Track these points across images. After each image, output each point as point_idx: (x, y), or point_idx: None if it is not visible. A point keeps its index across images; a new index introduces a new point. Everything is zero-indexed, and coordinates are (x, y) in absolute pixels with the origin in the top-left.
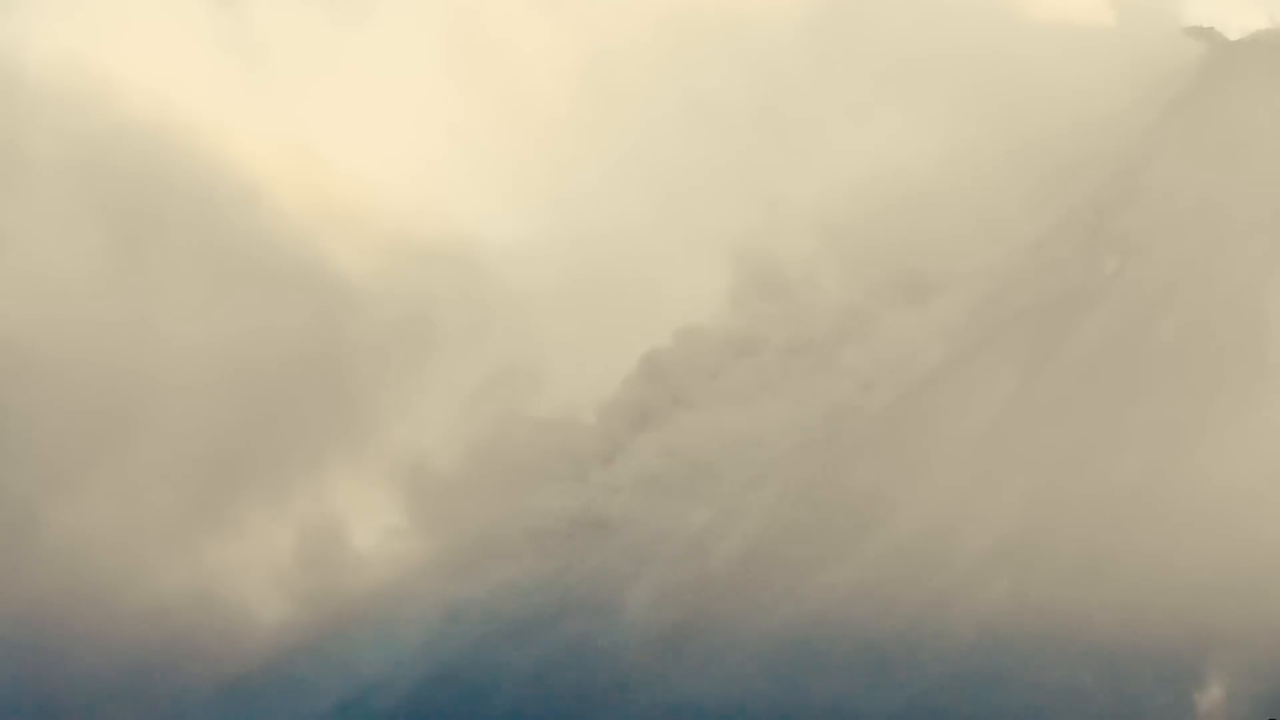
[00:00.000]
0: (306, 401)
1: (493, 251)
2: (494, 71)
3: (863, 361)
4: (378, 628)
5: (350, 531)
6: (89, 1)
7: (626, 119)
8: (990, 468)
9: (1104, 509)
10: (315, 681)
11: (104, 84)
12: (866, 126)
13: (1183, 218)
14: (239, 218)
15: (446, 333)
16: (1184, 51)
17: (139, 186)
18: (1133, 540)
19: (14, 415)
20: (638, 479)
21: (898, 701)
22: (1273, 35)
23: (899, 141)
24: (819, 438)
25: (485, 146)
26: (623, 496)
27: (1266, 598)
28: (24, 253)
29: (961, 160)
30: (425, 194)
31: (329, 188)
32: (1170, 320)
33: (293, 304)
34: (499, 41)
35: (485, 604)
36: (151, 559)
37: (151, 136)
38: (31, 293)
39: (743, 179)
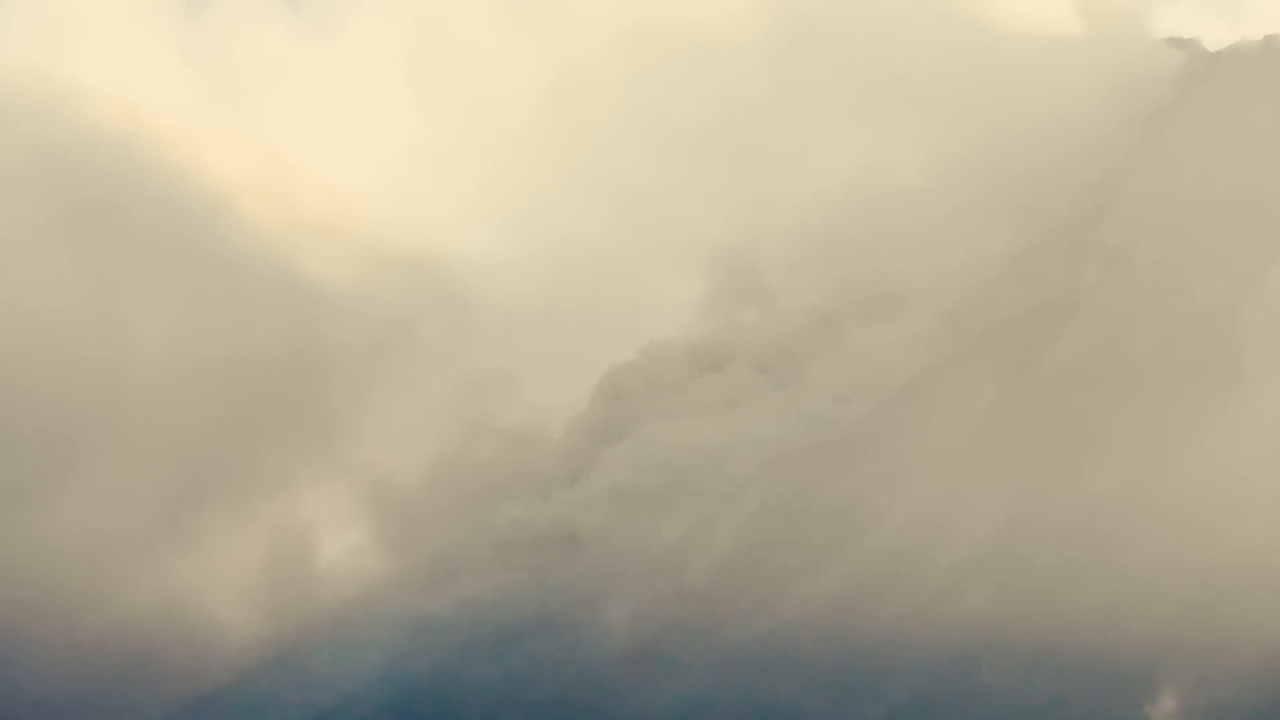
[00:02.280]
0: (275, 415)
1: (465, 263)
2: (459, 86)
3: (838, 374)
4: (344, 644)
5: (318, 546)
6: (55, 12)
7: (593, 136)
8: (968, 479)
9: (1081, 520)
10: (282, 697)
11: (71, 93)
12: (838, 143)
13: (1162, 229)
14: (209, 228)
15: (418, 345)
16: (1161, 62)
17: (108, 196)
18: (1110, 551)
19: None
20: (609, 492)
21: (876, 713)
22: (1252, 46)
23: (872, 157)
24: (797, 450)
25: (453, 159)
26: (594, 511)
27: (1239, 607)
28: None
29: (938, 174)
30: (397, 205)
31: (299, 198)
32: (1149, 331)
33: (262, 315)
34: (464, 57)
35: (452, 620)
36: (118, 572)
37: (120, 146)
38: None
39: (712, 195)
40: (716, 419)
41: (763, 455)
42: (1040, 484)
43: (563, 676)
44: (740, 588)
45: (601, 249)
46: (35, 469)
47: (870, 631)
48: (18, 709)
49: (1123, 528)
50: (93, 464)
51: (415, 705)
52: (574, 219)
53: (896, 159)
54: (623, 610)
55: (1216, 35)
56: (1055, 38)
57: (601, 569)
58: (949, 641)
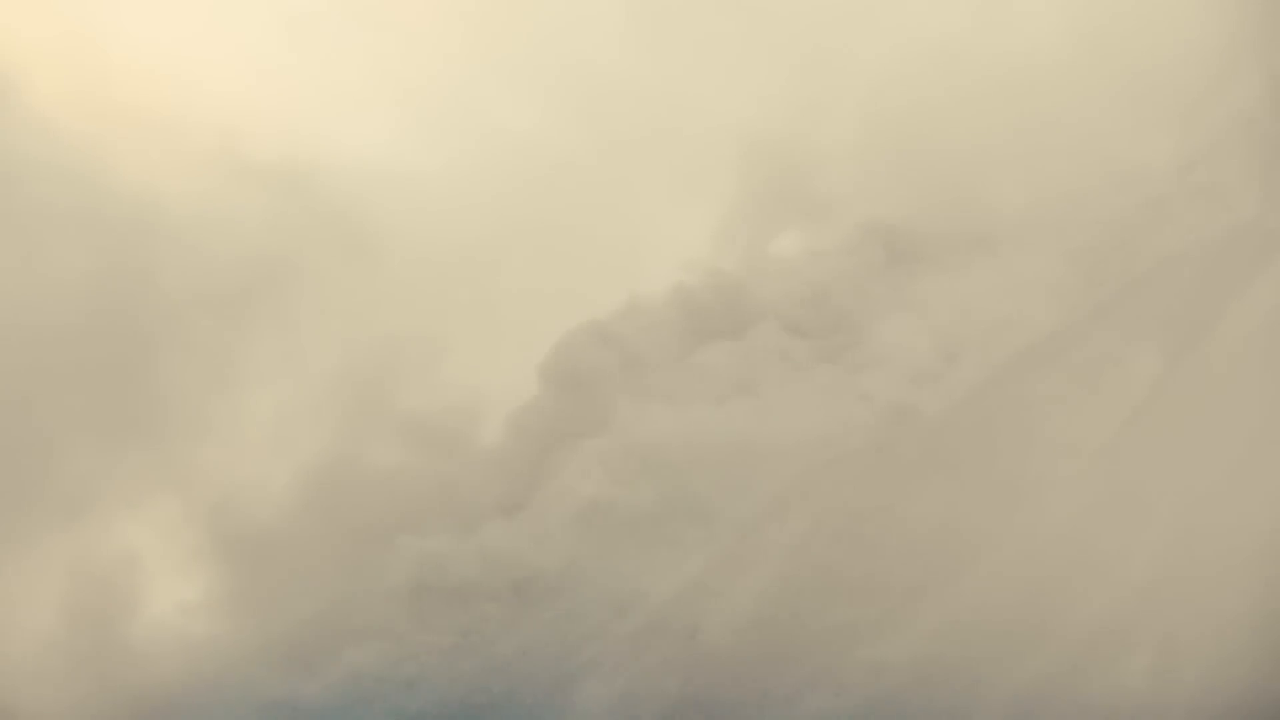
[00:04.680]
0: (76, 400)
1: (357, 180)
2: None
3: (919, 340)
4: None
5: (136, 600)
6: None
7: (546, 14)
8: (1124, 490)
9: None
10: None
11: None
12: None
13: None
14: None
15: (287, 299)
16: None
17: None
18: None
19: None
20: (574, 518)
21: None
22: None
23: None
24: (859, 451)
25: (336, 32)
26: (551, 545)
27: None
28: None
29: (1074, 42)
30: (256, 97)
31: (114, 83)
32: None
33: (60, 251)
34: None
35: (334, 710)
36: None
37: None
38: None
39: (726, 74)
40: (735, 407)
41: (809, 460)
42: (1228, 495)
43: None
44: (780, 655)
45: (558, 160)
46: None
47: (977, 715)
48: None
49: None
50: None
51: None
52: (515, 118)
53: (1013, 16)
54: (603, 691)
55: None
56: None
57: (566, 632)
58: None
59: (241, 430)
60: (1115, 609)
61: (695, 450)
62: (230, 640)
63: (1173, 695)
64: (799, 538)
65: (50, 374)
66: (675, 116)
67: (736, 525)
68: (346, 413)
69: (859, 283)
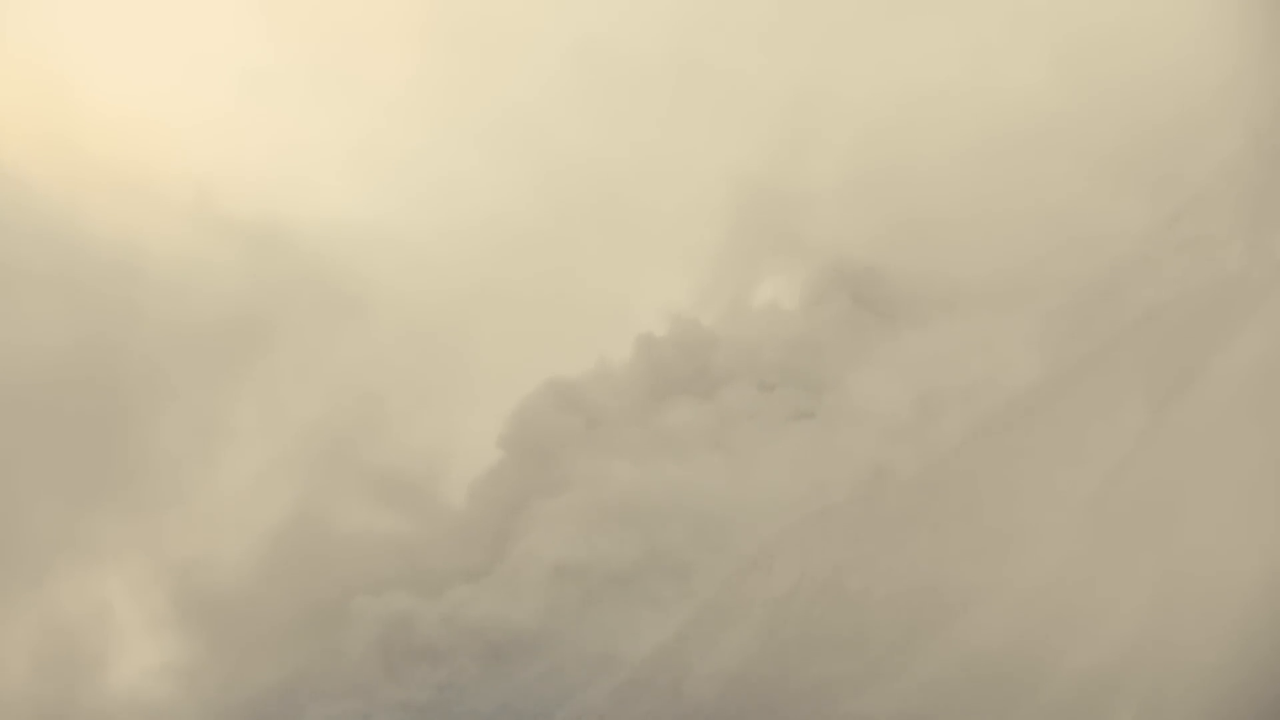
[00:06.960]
0: (46, 455)
1: (327, 240)
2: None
3: (897, 394)
4: None
5: (107, 661)
6: None
7: (502, 71)
8: (1109, 543)
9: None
10: None
11: None
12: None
13: None
14: None
15: (257, 358)
16: None
17: None
18: None
19: None
20: (549, 575)
21: None
22: None
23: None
24: (840, 507)
25: (309, 92)
26: (527, 602)
27: None
28: None
29: (1056, 88)
30: (229, 154)
31: (87, 137)
32: None
33: (29, 304)
34: None
35: None
36: None
37: None
38: None
39: (692, 130)
40: (709, 464)
41: (790, 515)
42: (1214, 547)
43: None
44: (765, 710)
45: (533, 222)
46: None
47: None
48: None
49: None
50: None
51: None
52: (492, 180)
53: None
54: None
55: None
56: None
57: (544, 689)
58: None
59: (211, 491)
60: (1101, 662)
61: (671, 508)
62: (197, 700)
63: None
64: (782, 592)
65: (23, 432)
66: (651, 180)
67: (717, 581)
68: (316, 474)
69: (835, 338)
